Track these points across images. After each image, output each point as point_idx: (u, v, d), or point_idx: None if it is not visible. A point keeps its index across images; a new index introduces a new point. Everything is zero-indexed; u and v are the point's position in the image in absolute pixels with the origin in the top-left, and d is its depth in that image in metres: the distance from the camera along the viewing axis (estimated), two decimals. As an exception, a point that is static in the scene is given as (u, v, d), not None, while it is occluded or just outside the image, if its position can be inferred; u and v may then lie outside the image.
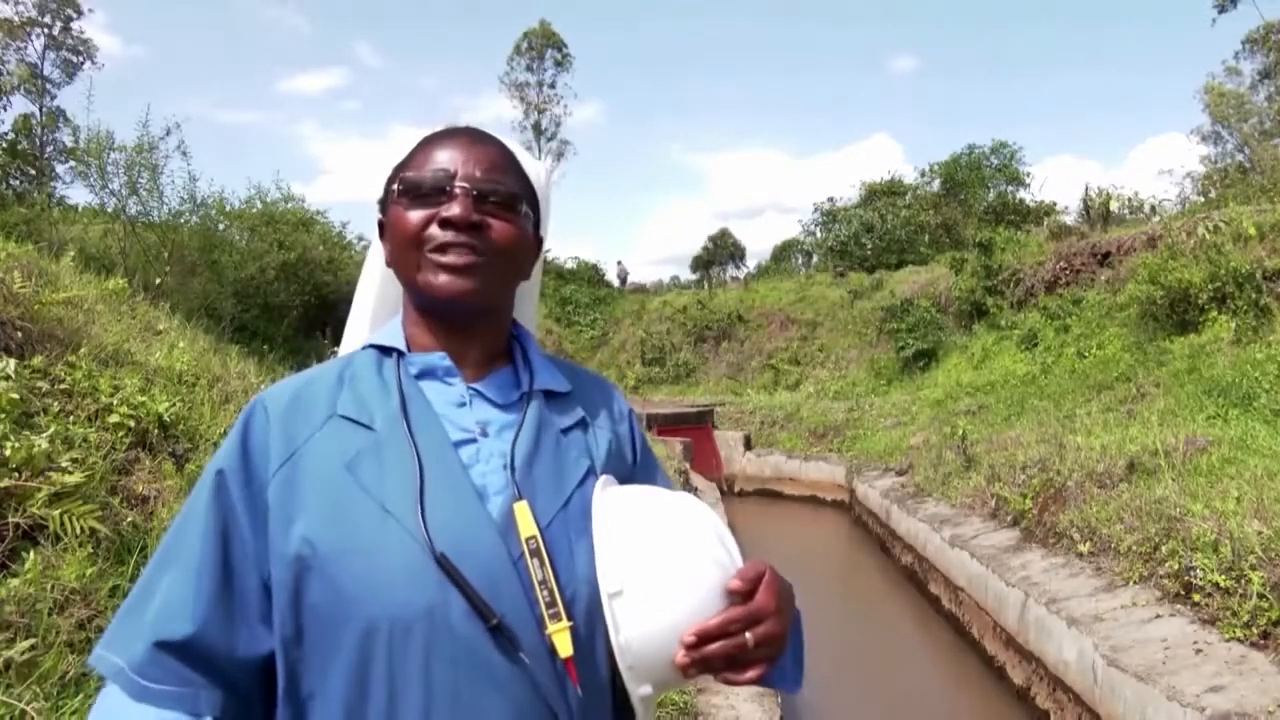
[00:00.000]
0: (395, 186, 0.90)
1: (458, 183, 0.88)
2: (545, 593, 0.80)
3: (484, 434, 0.88)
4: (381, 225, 0.96)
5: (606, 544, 0.80)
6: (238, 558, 0.82)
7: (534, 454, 0.88)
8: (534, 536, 0.82)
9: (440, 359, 0.91)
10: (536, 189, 0.97)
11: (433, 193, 0.88)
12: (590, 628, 0.82)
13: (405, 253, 0.89)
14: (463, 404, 0.90)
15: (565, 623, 0.79)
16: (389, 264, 0.94)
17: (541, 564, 0.81)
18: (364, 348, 0.94)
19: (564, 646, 0.79)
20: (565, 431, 0.93)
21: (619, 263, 28.75)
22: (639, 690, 0.79)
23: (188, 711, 0.78)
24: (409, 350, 0.92)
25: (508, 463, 0.86)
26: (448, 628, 0.77)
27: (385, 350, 0.93)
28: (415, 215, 0.88)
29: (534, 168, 0.99)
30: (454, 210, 0.87)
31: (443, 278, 0.86)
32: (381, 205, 0.95)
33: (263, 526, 0.82)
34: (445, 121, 0.98)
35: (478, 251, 0.87)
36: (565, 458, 0.91)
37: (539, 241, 0.99)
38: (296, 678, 0.80)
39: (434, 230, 0.87)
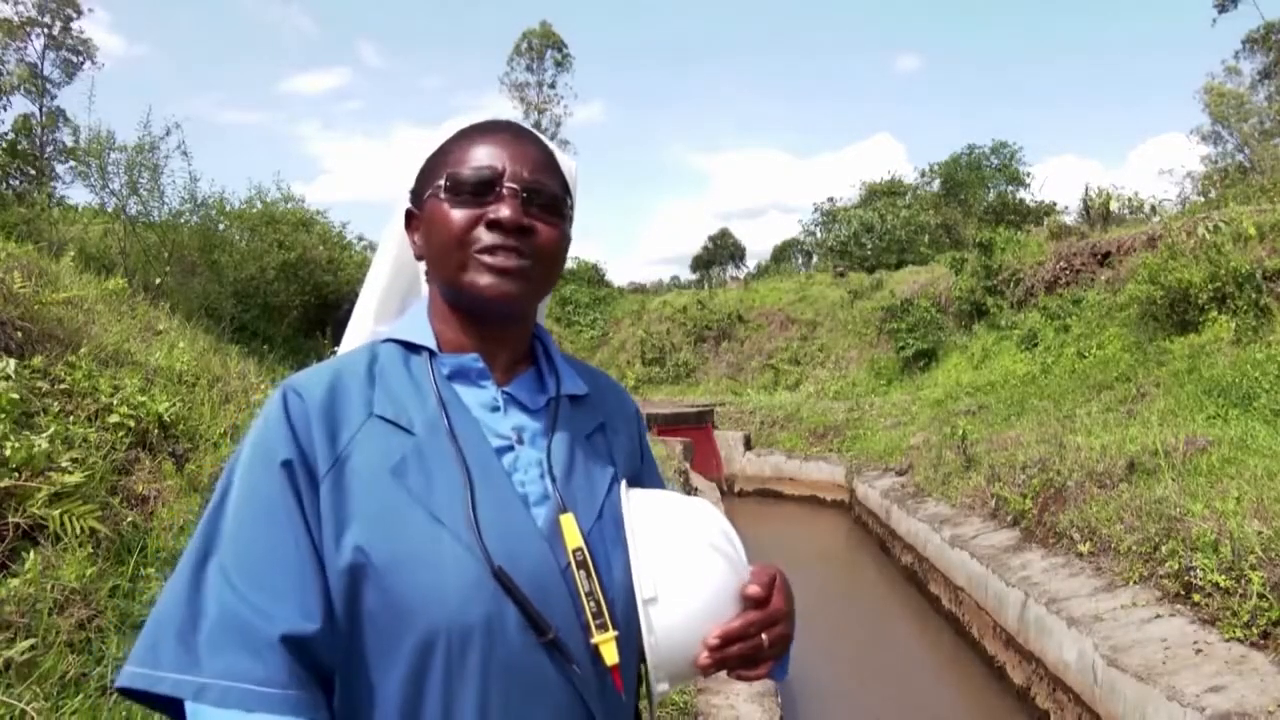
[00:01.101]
0: (441, 182, 0.87)
1: (506, 183, 0.85)
2: (592, 603, 0.81)
3: (520, 441, 0.88)
4: (409, 215, 0.93)
5: (640, 552, 0.83)
6: (315, 551, 0.78)
7: (569, 463, 0.88)
8: (581, 548, 0.83)
9: (474, 360, 0.89)
10: (570, 187, 0.95)
11: (480, 191, 0.85)
12: (627, 633, 0.84)
13: (447, 252, 0.86)
14: (497, 408, 0.88)
15: (612, 632, 0.81)
16: (420, 258, 0.92)
17: (588, 575, 0.82)
18: (385, 341, 0.91)
19: (610, 655, 0.81)
20: (589, 437, 0.94)
21: None
22: (658, 687, 0.82)
23: (310, 718, 0.73)
24: (439, 349, 0.89)
25: (544, 471, 0.86)
26: (504, 639, 0.78)
27: (409, 346, 0.90)
28: (460, 214, 0.85)
29: (568, 164, 0.97)
30: (504, 212, 0.84)
31: (489, 280, 0.84)
32: (415, 197, 0.92)
33: (319, 529, 0.79)
34: (453, 120, 0.96)
35: (524, 255, 0.85)
36: (594, 465, 0.91)
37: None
38: (351, 684, 0.79)
39: (481, 232, 0.85)
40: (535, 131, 0.94)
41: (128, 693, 0.74)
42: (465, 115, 0.95)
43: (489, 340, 0.90)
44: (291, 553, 0.76)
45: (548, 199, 0.88)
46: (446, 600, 0.77)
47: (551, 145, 0.95)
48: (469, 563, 0.78)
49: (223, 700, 0.71)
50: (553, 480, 0.86)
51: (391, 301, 1.03)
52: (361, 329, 1.02)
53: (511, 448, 0.87)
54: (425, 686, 0.77)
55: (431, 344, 0.89)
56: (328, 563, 0.78)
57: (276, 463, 0.79)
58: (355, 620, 0.78)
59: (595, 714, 0.81)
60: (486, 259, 0.84)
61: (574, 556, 0.82)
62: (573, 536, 0.83)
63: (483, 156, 0.86)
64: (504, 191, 0.85)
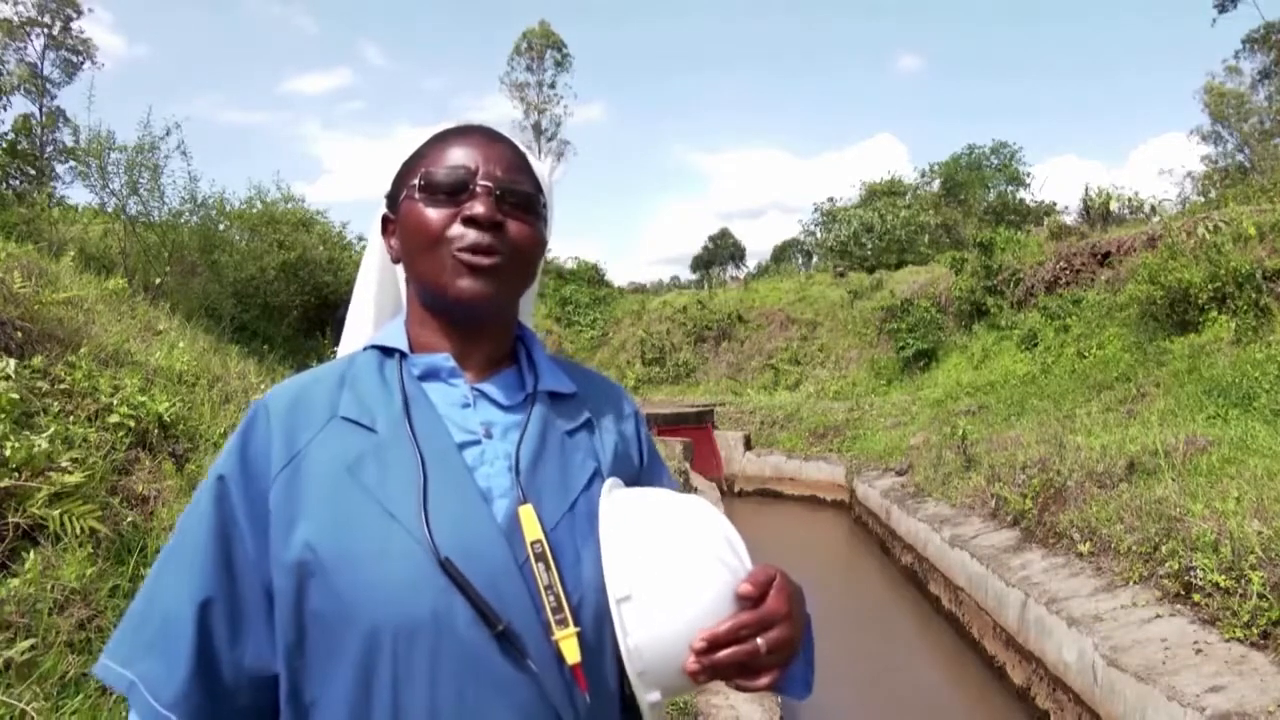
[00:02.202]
0: (415, 182, 0.88)
1: (480, 181, 0.87)
2: (551, 598, 0.79)
3: (488, 435, 0.87)
4: (386, 221, 0.95)
5: (614, 548, 0.79)
6: (240, 565, 0.80)
7: (539, 456, 0.87)
8: (539, 540, 0.80)
9: (444, 360, 0.89)
10: (544, 189, 0.96)
11: (454, 190, 0.87)
12: (598, 633, 0.81)
13: (423, 252, 0.87)
14: (466, 405, 0.88)
15: (572, 629, 0.78)
16: (397, 261, 0.93)
17: (547, 568, 0.79)
18: (365, 349, 0.92)
19: (571, 653, 0.78)
20: (571, 433, 0.92)
21: None
22: (648, 697, 0.78)
23: None
24: (412, 351, 0.91)
25: (512, 465, 0.85)
26: (453, 634, 0.76)
27: (387, 351, 0.91)
28: (435, 214, 0.86)
29: (540, 168, 0.99)
30: (478, 209, 0.85)
31: (464, 280, 0.85)
32: (390, 202, 0.93)
33: (264, 533, 0.80)
34: (452, 120, 0.97)
35: (499, 252, 0.86)
36: (571, 460, 0.90)
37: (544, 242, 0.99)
38: (298, 685, 0.79)
39: (457, 229, 0.86)
40: (507, 134, 0.95)
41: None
42: (468, 117, 0.97)
43: (464, 340, 0.91)
44: (194, 565, 0.80)
45: (521, 197, 0.89)
46: (392, 594, 0.76)
47: (524, 149, 0.96)
48: (418, 556, 0.77)
49: (135, 705, 0.78)
50: (517, 473, 0.84)
51: (386, 307, 1.04)
52: (360, 334, 1.03)
53: (478, 442, 0.86)
54: (373, 685, 0.76)
55: (404, 346, 0.90)
56: (275, 561, 0.79)
57: (214, 477, 0.83)
58: (301, 621, 0.78)
59: (563, 715, 0.78)
60: (464, 257, 0.85)
61: (532, 549, 0.80)
62: (532, 529, 0.81)
63: (456, 157, 0.88)
64: (477, 190, 0.86)
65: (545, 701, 0.78)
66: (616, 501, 0.85)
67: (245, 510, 0.81)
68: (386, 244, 0.94)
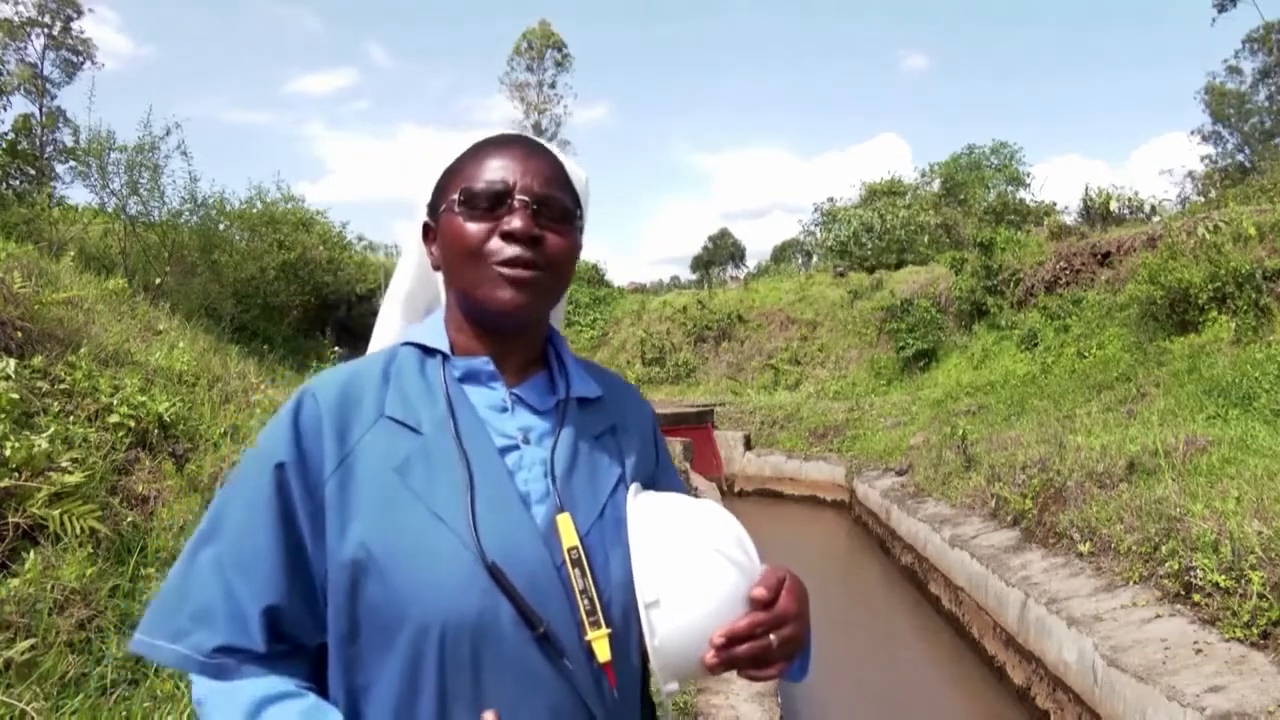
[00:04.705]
0: (455, 196, 0.91)
1: (517, 196, 0.89)
2: (586, 601, 0.84)
3: (525, 441, 0.91)
4: (426, 227, 0.98)
5: (641, 555, 0.85)
6: (304, 561, 0.85)
7: (572, 464, 0.92)
8: (575, 547, 0.86)
9: (484, 363, 0.93)
10: (581, 198, 0.99)
11: (492, 204, 0.89)
12: (624, 631, 0.87)
13: (463, 264, 0.90)
14: (504, 409, 0.92)
15: (605, 630, 0.84)
16: (438, 268, 0.96)
17: (583, 573, 0.85)
18: (404, 344, 0.96)
19: (603, 652, 0.84)
20: (598, 438, 0.97)
21: None
22: (667, 687, 0.84)
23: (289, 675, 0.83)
24: (453, 353, 0.94)
25: (548, 471, 0.90)
26: (497, 633, 0.81)
27: (427, 350, 0.94)
28: (474, 227, 0.89)
29: (579, 175, 1.01)
30: (515, 224, 0.88)
31: (503, 292, 0.88)
32: (430, 209, 0.97)
33: (320, 527, 0.84)
34: (458, 123, 0.98)
35: (536, 265, 0.89)
36: (599, 466, 0.95)
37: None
38: (350, 669, 0.84)
39: (495, 243, 0.89)
40: (548, 145, 0.97)
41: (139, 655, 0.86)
42: (480, 130, 0.99)
43: (501, 344, 0.94)
44: (270, 549, 0.83)
45: (558, 211, 0.92)
46: (441, 595, 0.80)
47: (564, 157, 0.99)
48: (465, 558, 0.81)
49: (202, 670, 0.81)
50: (553, 480, 0.89)
51: (418, 307, 1.08)
52: (389, 330, 1.07)
53: (517, 447, 0.90)
54: (420, 678, 0.80)
55: (445, 347, 0.93)
56: (331, 556, 0.83)
57: (271, 464, 0.85)
58: (355, 613, 0.83)
59: (593, 710, 0.84)
60: (503, 270, 0.88)
61: (569, 555, 0.85)
62: (568, 535, 0.86)
63: (495, 170, 0.91)
64: (515, 204, 0.89)
65: (577, 697, 0.84)
66: (640, 509, 0.90)
67: (304, 502, 0.84)
68: (427, 250, 0.98)
